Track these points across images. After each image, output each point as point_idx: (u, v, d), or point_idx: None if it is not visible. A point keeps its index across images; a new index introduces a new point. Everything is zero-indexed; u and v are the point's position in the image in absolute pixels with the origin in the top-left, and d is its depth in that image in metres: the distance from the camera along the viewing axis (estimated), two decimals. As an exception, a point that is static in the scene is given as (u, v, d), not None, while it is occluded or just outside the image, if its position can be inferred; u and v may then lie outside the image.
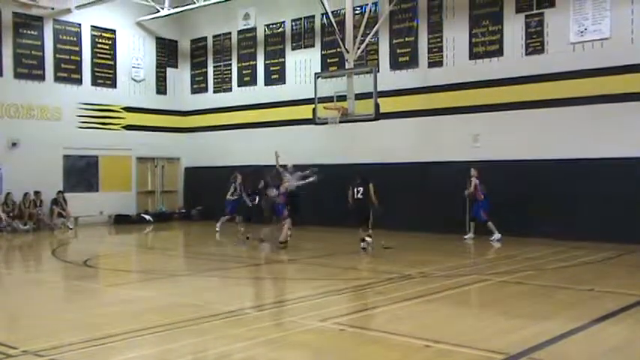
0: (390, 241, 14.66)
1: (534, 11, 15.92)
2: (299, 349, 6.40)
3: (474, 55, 16.94)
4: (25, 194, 19.36)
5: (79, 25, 21.16)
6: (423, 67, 17.87)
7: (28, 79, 19.92)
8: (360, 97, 16.64)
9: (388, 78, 18.03)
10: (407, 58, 18.19)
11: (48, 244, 16.84)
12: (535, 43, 15.92)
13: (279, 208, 14.25)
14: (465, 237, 15.53)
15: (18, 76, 19.65)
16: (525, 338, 6.45)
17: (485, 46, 16.73)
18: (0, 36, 19.23)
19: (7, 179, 19.18)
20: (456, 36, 17.21)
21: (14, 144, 19.40)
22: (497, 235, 15.01)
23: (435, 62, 17.62)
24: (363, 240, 13.41)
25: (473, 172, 15.25)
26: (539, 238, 14.80)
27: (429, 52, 17.74)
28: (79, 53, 21.16)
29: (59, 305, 9.22)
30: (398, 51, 18.35)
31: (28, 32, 20.01)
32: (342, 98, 16.72)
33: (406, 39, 18.18)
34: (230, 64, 22.56)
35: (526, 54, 16.08)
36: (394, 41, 18.41)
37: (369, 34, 17.36)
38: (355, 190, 13.45)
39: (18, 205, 19.19)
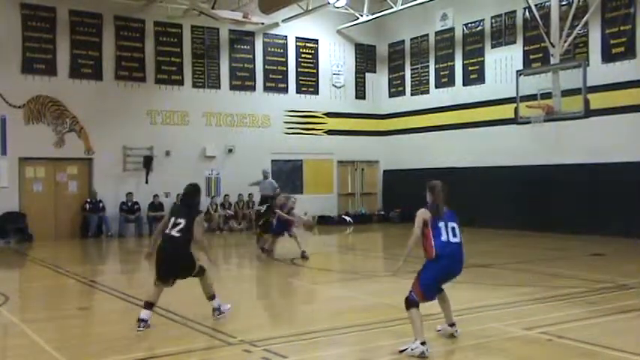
0: (602, 247, 13.56)
1: None
2: (502, 357, 6.18)
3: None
4: (239, 196, 21.09)
5: (285, 37, 22.54)
6: (641, 58, 16.26)
7: (241, 90, 21.66)
8: (566, 93, 15.64)
9: (599, 71, 16.68)
10: (622, 49, 16.66)
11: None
12: None
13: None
14: None
15: (232, 87, 21.48)
16: None
17: None
18: (219, 52, 21.23)
19: (224, 183, 21.08)
20: (681, 20, 15.40)
21: (230, 150, 21.24)
22: None
23: (656, 51, 15.92)
24: None
25: None
26: None
27: (648, 41, 16.08)
28: (285, 64, 22.53)
29: (270, 300, 9.95)
30: (611, 42, 16.88)
31: (241, 47, 21.75)
32: (546, 95, 15.88)
33: (621, 28, 16.66)
34: (427, 66, 22.47)
35: None
36: (607, 31, 16.96)
37: (577, 25, 16.22)
38: None
39: (233, 206, 20.97)
